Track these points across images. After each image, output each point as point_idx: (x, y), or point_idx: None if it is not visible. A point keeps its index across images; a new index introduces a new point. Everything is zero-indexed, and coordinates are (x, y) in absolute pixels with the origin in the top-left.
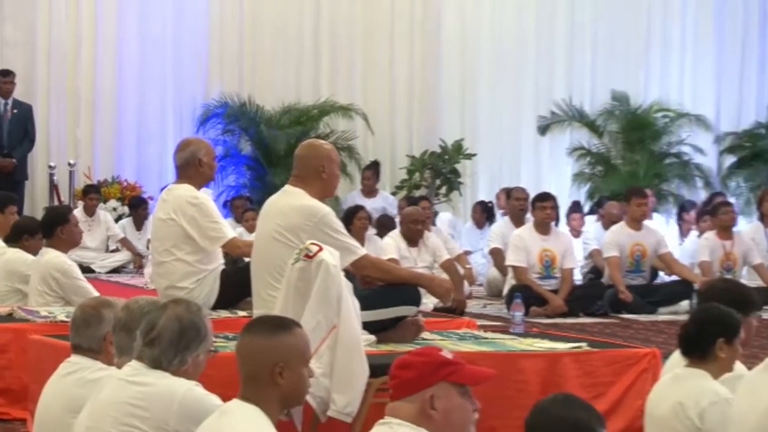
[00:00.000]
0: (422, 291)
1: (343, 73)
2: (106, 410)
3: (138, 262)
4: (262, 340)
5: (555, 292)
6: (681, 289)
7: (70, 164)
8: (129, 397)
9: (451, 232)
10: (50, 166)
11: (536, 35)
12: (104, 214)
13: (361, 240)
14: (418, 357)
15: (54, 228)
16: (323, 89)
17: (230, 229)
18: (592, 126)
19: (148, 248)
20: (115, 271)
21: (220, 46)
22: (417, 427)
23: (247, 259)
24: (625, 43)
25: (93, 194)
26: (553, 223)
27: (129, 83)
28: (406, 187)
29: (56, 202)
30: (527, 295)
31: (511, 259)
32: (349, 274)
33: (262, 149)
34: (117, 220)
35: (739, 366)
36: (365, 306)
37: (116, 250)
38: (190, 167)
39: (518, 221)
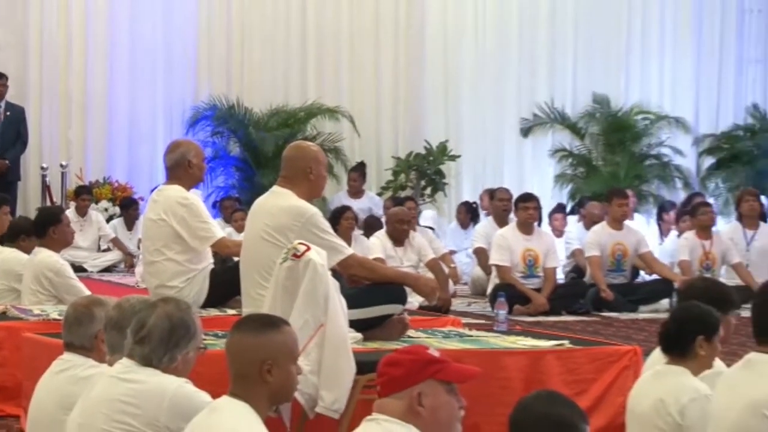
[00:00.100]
0: (408, 290)
1: (330, 76)
2: (98, 407)
3: (129, 261)
4: (251, 338)
5: (538, 290)
6: (661, 287)
7: (62, 165)
8: (120, 394)
9: (433, 226)
10: (43, 168)
11: (519, 39)
12: (96, 214)
13: (348, 240)
14: (406, 355)
15: (46, 228)
16: (310, 92)
17: (219, 229)
18: (573, 128)
19: (138, 248)
20: (107, 270)
21: (209, 50)
22: (405, 423)
23: (236, 259)
24: (605, 47)
25: (85, 195)
26: (535, 223)
27: (120, 86)
28: (391, 188)
29: (49, 203)
30: (511, 293)
31: (494, 259)
32: (336, 273)
33: (250, 151)
34: (108, 220)
35: (718, 363)
36: (352, 304)
37: (108, 250)
38: (180, 168)
39: (502, 221)
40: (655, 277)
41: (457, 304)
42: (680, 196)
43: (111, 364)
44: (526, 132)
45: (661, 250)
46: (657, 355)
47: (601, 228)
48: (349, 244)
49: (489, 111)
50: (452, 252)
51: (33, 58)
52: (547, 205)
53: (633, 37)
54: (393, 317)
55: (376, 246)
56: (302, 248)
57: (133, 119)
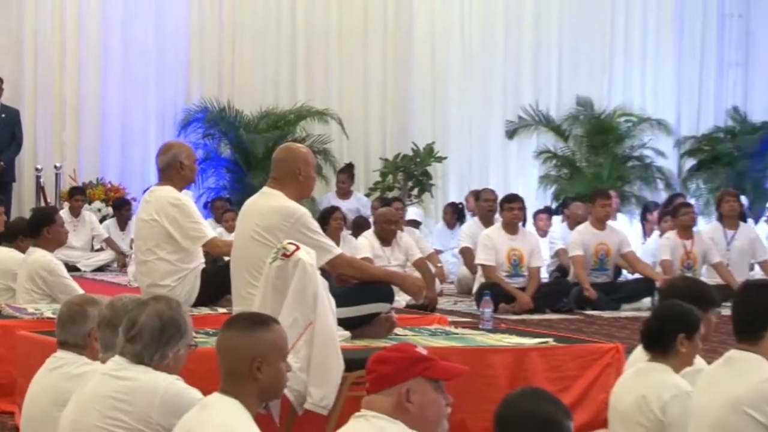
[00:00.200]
0: (395, 288)
1: (319, 79)
2: (91, 403)
3: (122, 261)
4: (242, 336)
5: (523, 289)
6: (643, 286)
7: (56, 167)
8: (113, 390)
9: (419, 219)
10: (37, 169)
11: (504, 43)
12: (89, 214)
13: (337, 240)
14: (395, 353)
15: (41, 228)
16: (300, 94)
17: (210, 230)
18: (557, 130)
19: (131, 248)
20: (100, 269)
21: (201, 53)
22: (393, 419)
23: (226, 258)
24: (589, 50)
25: (78, 196)
26: (520, 224)
27: (113, 89)
28: (379, 189)
29: (43, 204)
30: (496, 292)
31: (480, 258)
32: (325, 272)
33: (241, 152)
34: (101, 220)
35: (699, 360)
36: (340, 303)
37: (101, 250)
38: (172, 170)
39: (487, 222)
40: (637, 276)
41: (443, 303)
42: (662, 196)
43: (104, 361)
44: (511, 134)
45: (643, 249)
46: (639, 352)
47: (585, 228)
48: (338, 244)
49: (475, 113)
50: (438, 252)
51: (28, 61)
52: (531, 206)
53: (616, 41)
54: (381, 315)
55: (364, 246)
56: (292, 248)
57: (126, 121)
